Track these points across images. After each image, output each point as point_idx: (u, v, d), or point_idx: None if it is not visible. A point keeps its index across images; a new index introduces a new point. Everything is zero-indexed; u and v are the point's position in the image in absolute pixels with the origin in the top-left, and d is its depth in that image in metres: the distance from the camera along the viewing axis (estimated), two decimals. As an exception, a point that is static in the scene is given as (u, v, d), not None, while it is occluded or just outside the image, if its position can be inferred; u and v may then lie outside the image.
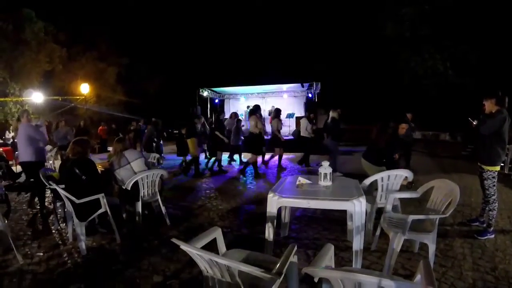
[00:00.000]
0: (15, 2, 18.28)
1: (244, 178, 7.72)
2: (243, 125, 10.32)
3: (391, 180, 3.91)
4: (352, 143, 13.95)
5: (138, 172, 4.33)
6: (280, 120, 9.17)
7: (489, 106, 3.86)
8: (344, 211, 3.96)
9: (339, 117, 7.98)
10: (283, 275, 1.74)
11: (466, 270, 3.06)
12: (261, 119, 8.30)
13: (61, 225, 4.57)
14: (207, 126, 9.73)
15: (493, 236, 3.80)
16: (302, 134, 9.26)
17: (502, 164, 7.06)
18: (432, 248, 2.97)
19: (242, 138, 9.25)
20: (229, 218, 4.87)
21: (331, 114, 8.01)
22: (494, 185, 3.89)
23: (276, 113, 9.04)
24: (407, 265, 3.18)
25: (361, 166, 4.94)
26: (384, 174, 3.91)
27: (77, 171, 3.71)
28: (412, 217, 2.85)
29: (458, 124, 12.45)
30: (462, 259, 3.30)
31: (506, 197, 5.61)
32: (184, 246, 1.80)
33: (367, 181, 3.85)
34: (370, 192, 3.98)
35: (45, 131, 5.69)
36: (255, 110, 8.17)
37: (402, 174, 3.90)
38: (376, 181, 3.91)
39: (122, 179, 4.32)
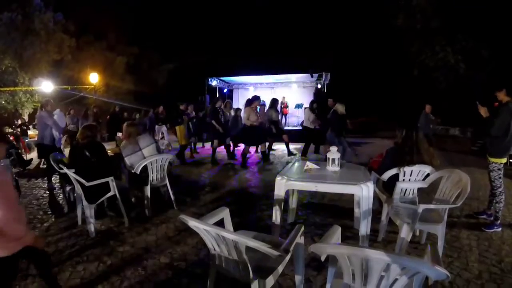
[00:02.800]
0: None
1: (250, 166, 7.74)
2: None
3: (413, 176, 3.59)
4: (360, 135, 13.85)
5: (148, 157, 4.35)
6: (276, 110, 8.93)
7: (502, 97, 3.81)
8: (351, 200, 3.98)
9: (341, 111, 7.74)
10: (290, 253, 1.75)
11: (472, 262, 3.05)
12: (256, 110, 7.83)
13: (70, 208, 4.64)
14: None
15: (500, 229, 3.77)
16: (304, 124, 9.04)
17: (511, 161, 7.00)
18: (440, 238, 2.94)
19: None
20: (236, 204, 4.89)
21: (337, 107, 7.74)
22: (500, 177, 3.87)
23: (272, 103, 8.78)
24: (413, 254, 3.17)
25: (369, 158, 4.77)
26: (407, 168, 3.60)
27: (87, 153, 3.76)
28: (423, 206, 2.80)
29: (468, 119, 12.29)
30: (469, 250, 3.29)
31: (514, 192, 5.55)
32: (192, 222, 1.82)
33: (387, 175, 3.59)
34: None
35: (62, 119, 5.94)
36: (251, 101, 7.73)
37: (425, 171, 3.54)
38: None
39: (132, 164, 4.33)
